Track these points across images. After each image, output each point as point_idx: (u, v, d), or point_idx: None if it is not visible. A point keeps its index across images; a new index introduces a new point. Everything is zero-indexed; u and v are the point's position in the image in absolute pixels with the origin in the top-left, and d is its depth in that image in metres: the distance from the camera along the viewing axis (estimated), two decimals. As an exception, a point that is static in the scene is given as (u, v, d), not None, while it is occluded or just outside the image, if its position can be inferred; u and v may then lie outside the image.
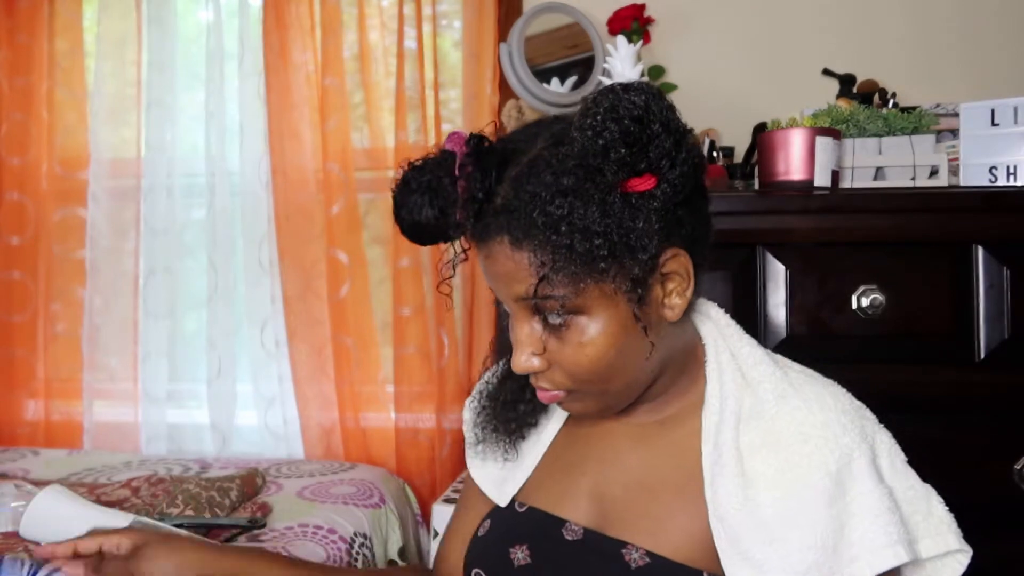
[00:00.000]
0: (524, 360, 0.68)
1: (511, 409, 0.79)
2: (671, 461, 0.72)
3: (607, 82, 1.40)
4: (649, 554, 0.67)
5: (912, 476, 0.69)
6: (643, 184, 0.62)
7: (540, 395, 0.70)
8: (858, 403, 0.71)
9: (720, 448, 0.68)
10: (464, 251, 0.71)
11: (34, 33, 2.12)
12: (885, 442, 0.69)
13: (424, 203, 0.68)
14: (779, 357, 0.75)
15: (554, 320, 0.66)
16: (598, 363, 0.66)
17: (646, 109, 0.60)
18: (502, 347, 0.79)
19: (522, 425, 0.80)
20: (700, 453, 0.70)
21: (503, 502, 0.79)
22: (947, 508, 0.68)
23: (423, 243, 0.72)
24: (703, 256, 0.69)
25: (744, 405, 0.70)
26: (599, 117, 0.60)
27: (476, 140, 0.67)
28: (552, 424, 0.81)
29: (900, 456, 0.69)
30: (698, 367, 0.74)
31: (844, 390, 0.71)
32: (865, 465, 0.65)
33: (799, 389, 0.69)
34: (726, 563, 0.65)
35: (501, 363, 0.82)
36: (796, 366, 0.74)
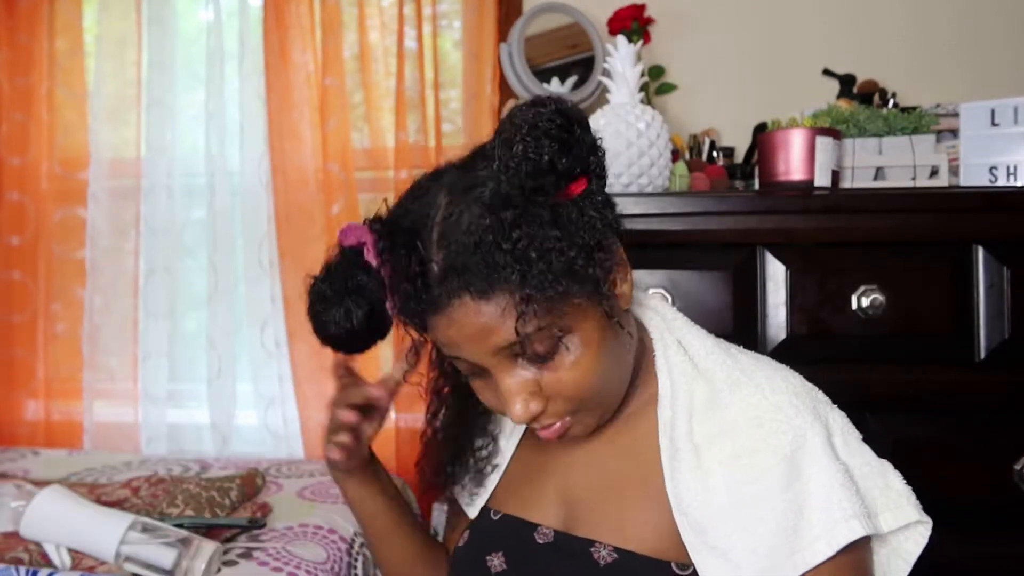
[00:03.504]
0: (523, 408, 0.65)
1: (472, 454, 0.81)
2: (632, 457, 0.72)
3: (607, 82, 1.39)
4: (617, 550, 0.68)
5: (867, 452, 0.69)
6: (580, 186, 0.63)
7: (545, 433, 0.68)
8: (809, 385, 0.70)
9: (676, 443, 0.68)
10: (422, 335, 0.68)
11: (34, 33, 2.12)
12: (838, 421, 0.69)
13: (352, 307, 0.67)
14: (728, 344, 0.75)
15: (541, 351, 0.63)
16: (597, 374, 0.65)
17: (564, 116, 0.61)
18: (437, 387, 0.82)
19: (489, 460, 0.82)
20: (659, 448, 0.70)
21: (473, 513, 0.81)
22: (905, 482, 0.68)
23: (358, 350, 0.72)
24: (622, 237, 0.69)
25: (697, 397, 0.70)
26: (527, 139, 0.59)
27: (379, 222, 0.66)
28: (514, 435, 0.82)
29: (854, 434, 0.69)
30: (650, 361, 0.75)
31: (795, 372, 0.71)
32: (819, 444, 0.64)
33: (751, 375, 0.69)
34: (694, 555, 0.65)
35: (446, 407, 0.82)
36: (745, 352, 0.74)
